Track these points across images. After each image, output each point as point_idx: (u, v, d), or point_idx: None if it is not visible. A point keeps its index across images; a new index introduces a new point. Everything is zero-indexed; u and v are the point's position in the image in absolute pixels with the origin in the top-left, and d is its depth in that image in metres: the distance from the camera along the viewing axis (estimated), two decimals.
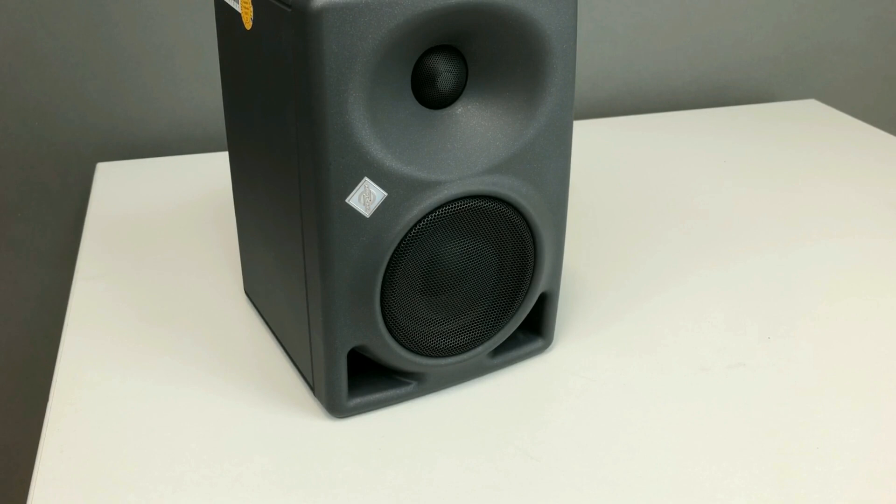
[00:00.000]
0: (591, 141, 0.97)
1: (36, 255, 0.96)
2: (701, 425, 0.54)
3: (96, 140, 0.93)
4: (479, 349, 0.56)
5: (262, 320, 0.64)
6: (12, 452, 1.05)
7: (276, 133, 0.50)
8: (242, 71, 0.53)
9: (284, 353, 0.60)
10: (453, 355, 0.55)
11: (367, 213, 0.48)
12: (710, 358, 0.61)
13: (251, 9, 0.49)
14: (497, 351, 0.59)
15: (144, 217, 0.79)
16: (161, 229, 0.77)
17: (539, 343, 0.60)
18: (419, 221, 0.50)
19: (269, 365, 0.59)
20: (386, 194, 0.48)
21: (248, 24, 0.50)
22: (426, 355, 0.54)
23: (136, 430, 0.53)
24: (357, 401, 0.54)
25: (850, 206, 0.84)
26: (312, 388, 0.56)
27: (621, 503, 0.48)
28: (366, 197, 0.48)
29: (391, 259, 0.50)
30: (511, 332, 0.57)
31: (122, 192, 0.84)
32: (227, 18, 0.54)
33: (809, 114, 1.07)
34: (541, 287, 0.57)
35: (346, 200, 0.48)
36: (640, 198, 0.85)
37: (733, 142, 0.98)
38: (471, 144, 0.50)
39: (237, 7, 0.52)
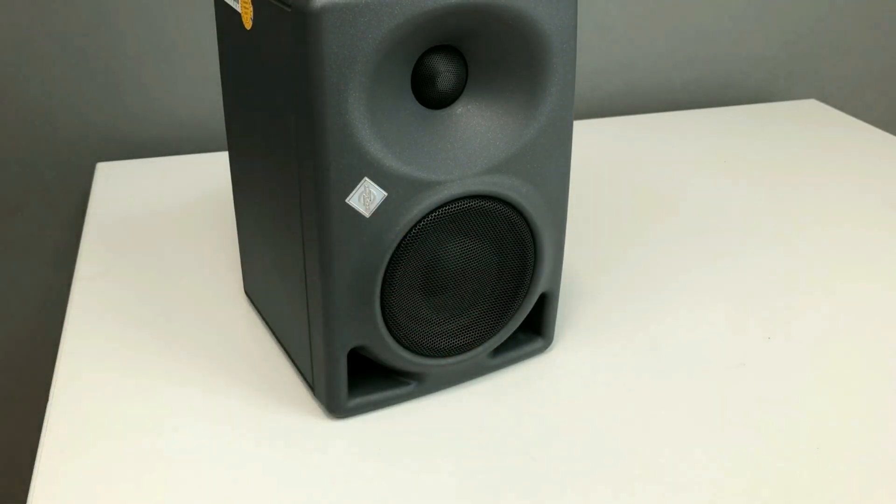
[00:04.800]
0: (591, 141, 0.97)
1: (36, 255, 0.96)
2: (701, 425, 0.54)
3: (96, 140, 0.93)
4: (479, 349, 0.56)
5: (262, 320, 0.64)
6: (12, 452, 1.05)
7: (276, 133, 0.50)
8: (242, 71, 0.53)
9: (284, 353, 0.60)
10: (453, 355, 0.55)
11: (367, 213, 0.48)
12: (710, 358, 0.61)
13: (251, 9, 0.49)
14: (497, 351, 0.59)
15: (144, 217, 0.79)
16: (161, 229, 0.77)
17: (539, 343, 0.60)
18: (419, 221, 0.50)
19: (269, 365, 0.59)
20: (386, 194, 0.48)
21: (248, 24, 0.50)
22: (426, 355, 0.54)
23: (136, 430, 0.53)
24: (357, 401, 0.54)
25: (850, 206, 0.84)
26: (312, 388, 0.56)
27: (621, 503, 0.48)
28: (366, 197, 0.48)
29: (391, 259, 0.50)
30: (511, 332, 0.57)
31: (122, 192, 0.84)
32: (227, 18, 0.54)
33: (809, 114, 1.07)
34: (541, 287, 0.57)
35: (346, 200, 0.48)
36: (640, 198, 0.85)
37: (733, 142, 0.98)
38: (471, 144, 0.50)
39: (237, 7, 0.52)
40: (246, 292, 0.66)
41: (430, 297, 0.53)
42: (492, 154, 0.51)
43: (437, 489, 0.49)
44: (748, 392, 0.57)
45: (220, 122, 0.95)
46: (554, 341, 0.62)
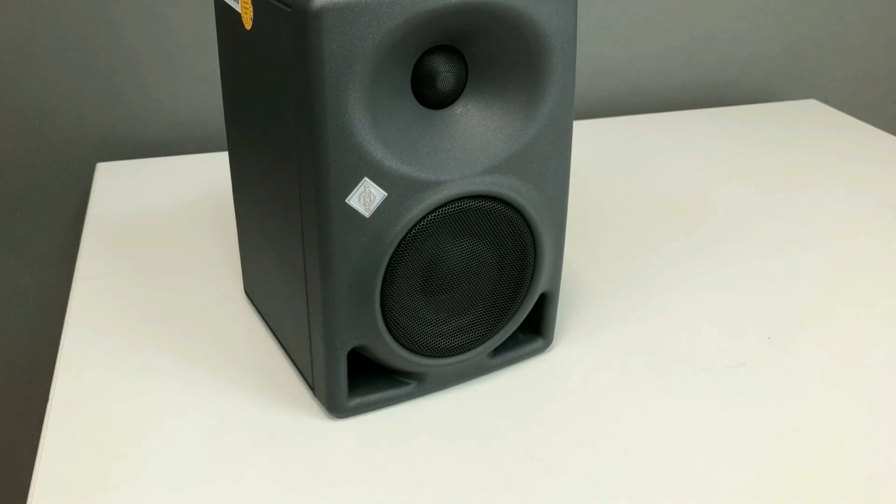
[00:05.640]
0: (591, 141, 0.97)
1: (36, 255, 0.96)
2: (701, 425, 0.54)
3: (96, 140, 0.93)
4: (479, 349, 0.56)
5: (262, 320, 0.64)
6: (13, 452, 1.05)
7: (276, 133, 0.50)
8: (242, 71, 0.53)
9: (284, 353, 0.60)
10: (453, 355, 0.55)
11: (367, 213, 0.48)
12: (710, 358, 0.61)
13: (251, 9, 0.49)
14: (497, 351, 0.59)
15: (144, 217, 0.79)
16: (161, 229, 0.77)
17: (539, 343, 0.60)
18: (419, 221, 0.50)
19: (269, 365, 0.59)
20: (386, 194, 0.48)
21: (248, 24, 0.50)
22: (426, 355, 0.54)
23: (136, 430, 0.53)
24: (357, 401, 0.54)
25: (850, 206, 0.84)
26: (312, 388, 0.56)
27: (621, 503, 0.48)
28: (366, 197, 0.48)
29: (391, 259, 0.50)
30: (511, 332, 0.57)
31: (122, 192, 0.84)
32: (227, 18, 0.54)
33: (809, 114, 1.07)
34: (541, 287, 0.57)
35: (346, 200, 0.48)
36: (640, 198, 0.85)
37: (733, 142, 0.98)
38: (471, 144, 0.50)
39: (237, 7, 0.52)
40: (246, 292, 0.66)
41: (430, 297, 0.53)
42: (492, 154, 0.51)
43: (437, 489, 0.49)
44: (748, 392, 0.58)
45: (220, 122, 0.95)
46: (554, 341, 0.62)
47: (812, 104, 1.11)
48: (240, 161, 0.59)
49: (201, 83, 0.93)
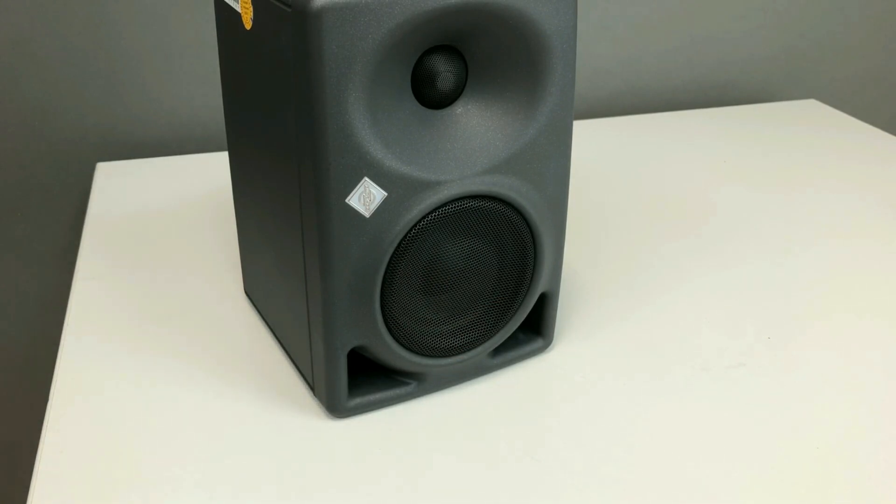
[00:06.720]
0: (591, 141, 0.97)
1: (36, 255, 0.96)
2: (701, 425, 0.54)
3: (96, 140, 0.93)
4: (479, 349, 0.56)
5: (262, 320, 0.64)
6: (13, 452, 1.05)
7: (276, 133, 0.50)
8: (242, 71, 0.53)
9: (284, 353, 0.60)
10: (453, 355, 0.55)
11: (367, 214, 0.48)
12: (710, 358, 0.61)
13: (251, 9, 0.49)
14: (497, 351, 0.59)
15: (144, 217, 0.79)
16: (161, 229, 0.77)
17: (539, 343, 0.60)
18: (419, 221, 0.50)
19: (269, 365, 0.59)
20: (386, 194, 0.48)
21: (248, 24, 0.50)
22: (426, 355, 0.54)
23: (136, 431, 0.53)
24: (357, 401, 0.54)
25: (850, 207, 0.84)
26: (312, 388, 0.56)
27: (621, 503, 0.48)
28: (366, 197, 0.48)
29: (391, 259, 0.50)
30: (511, 332, 0.57)
31: (122, 192, 0.84)
32: (227, 18, 0.54)
33: (809, 114, 1.07)
34: (541, 287, 0.57)
35: (346, 200, 0.48)
36: (640, 198, 0.85)
37: (733, 142, 0.98)
38: (471, 144, 0.50)
39: (237, 7, 0.52)
40: (246, 292, 0.66)
41: (430, 297, 0.53)
42: (492, 154, 0.51)
43: (437, 489, 0.49)
44: (748, 392, 0.58)
45: (220, 122, 0.95)
46: (554, 341, 0.62)
47: (812, 104, 1.11)
48: (240, 161, 0.59)
49: (201, 83, 0.93)
